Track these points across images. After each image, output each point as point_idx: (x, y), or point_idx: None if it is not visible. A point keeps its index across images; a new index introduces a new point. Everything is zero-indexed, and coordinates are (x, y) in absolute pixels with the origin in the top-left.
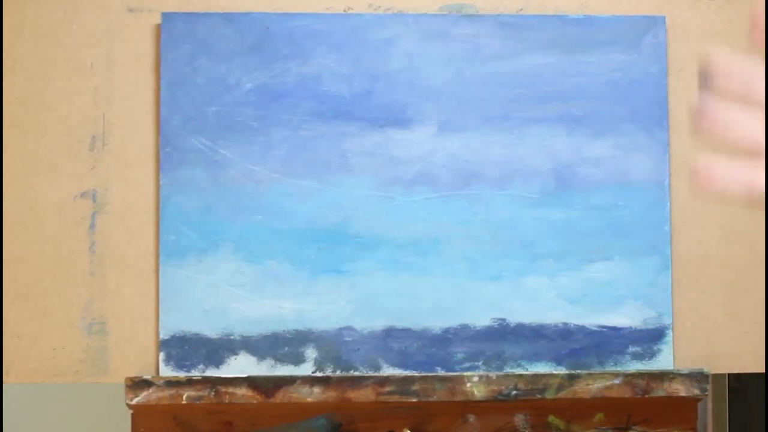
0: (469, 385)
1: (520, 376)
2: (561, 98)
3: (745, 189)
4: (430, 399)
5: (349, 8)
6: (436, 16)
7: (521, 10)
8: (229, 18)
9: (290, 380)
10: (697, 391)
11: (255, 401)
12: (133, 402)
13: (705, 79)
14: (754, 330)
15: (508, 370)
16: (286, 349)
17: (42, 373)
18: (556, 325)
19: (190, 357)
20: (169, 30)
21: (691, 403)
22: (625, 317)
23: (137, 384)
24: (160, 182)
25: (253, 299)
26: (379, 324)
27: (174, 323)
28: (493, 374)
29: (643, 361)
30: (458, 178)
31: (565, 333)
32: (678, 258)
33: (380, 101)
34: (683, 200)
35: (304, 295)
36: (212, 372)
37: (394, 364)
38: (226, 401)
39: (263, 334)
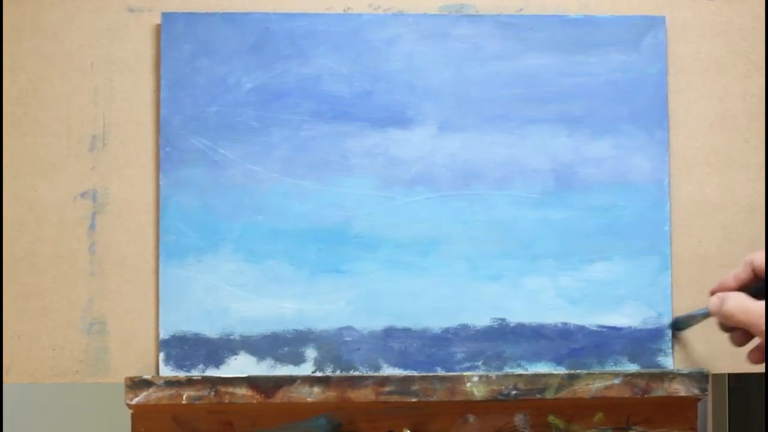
0: (469, 385)
1: (520, 376)
2: (561, 98)
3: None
4: (430, 399)
5: (348, 8)
6: (436, 16)
7: (521, 10)
8: (229, 18)
9: (290, 380)
10: (697, 391)
11: (255, 401)
12: (133, 402)
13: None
14: None
15: (508, 370)
16: (286, 349)
17: (42, 373)
18: (556, 325)
19: (190, 357)
20: (169, 30)
21: (691, 403)
22: (625, 317)
23: (137, 384)
24: (160, 182)
25: (253, 299)
26: (379, 324)
27: (174, 323)
28: (493, 374)
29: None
30: (458, 178)
31: (565, 333)
32: (678, 258)
33: (380, 101)
34: (683, 200)
35: (304, 295)
36: (212, 372)
37: (394, 364)
38: (226, 401)
39: (263, 334)
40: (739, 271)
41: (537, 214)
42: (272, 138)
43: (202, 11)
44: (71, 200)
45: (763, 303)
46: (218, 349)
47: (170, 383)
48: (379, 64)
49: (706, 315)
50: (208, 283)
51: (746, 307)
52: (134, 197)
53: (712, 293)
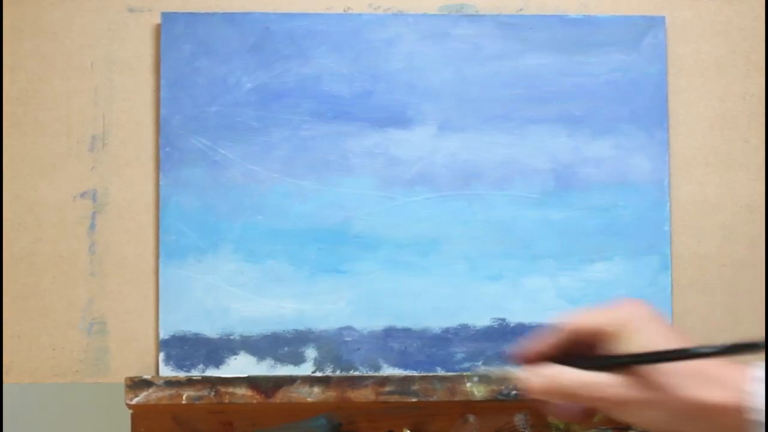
0: (469, 384)
1: None
2: (561, 98)
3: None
4: (430, 399)
5: (348, 8)
6: (436, 16)
7: (521, 10)
8: (229, 18)
9: (290, 380)
10: None
11: (255, 401)
12: (133, 402)
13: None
14: (754, 330)
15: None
16: (286, 349)
17: (42, 373)
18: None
19: (190, 357)
20: (169, 30)
21: None
22: None
23: (137, 384)
24: (160, 182)
25: (253, 299)
26: (379, 324)
27: (174, 323)
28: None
29: None
30: (458, 178)
31: None
32: (678, 258)
33: (380, 101)
34: (683, 200)
35: (304, 295)
36: (212, 372)
37: (394, 364)
38: (226, 401)
39: (263, 334)
40: (554, 339)
41: (537, 214)
42: (272, 138)
43: (202, 11)
44: (71, 200)
45: (601, 374)
46: (218, 349)
47: (170, 383)
48: (379, 64)
49: (506, 376)
50: (208, 283)
51: (583, 380)
52: (134, 197)
53: (521, 360)
